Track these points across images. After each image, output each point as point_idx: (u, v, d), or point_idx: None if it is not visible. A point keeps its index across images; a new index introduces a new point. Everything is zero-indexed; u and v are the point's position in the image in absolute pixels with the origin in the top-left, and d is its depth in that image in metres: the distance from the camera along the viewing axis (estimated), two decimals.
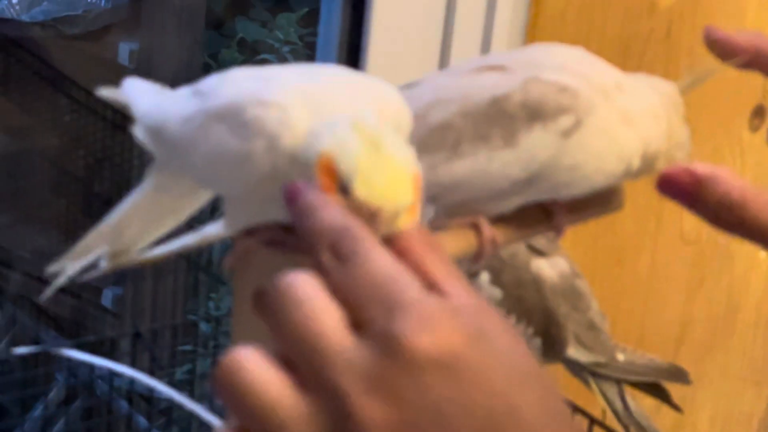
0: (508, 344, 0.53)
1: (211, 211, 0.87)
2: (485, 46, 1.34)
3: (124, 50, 2.16)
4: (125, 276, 1.93)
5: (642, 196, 0.77)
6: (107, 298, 2.04)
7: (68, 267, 0.84)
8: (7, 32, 2.08)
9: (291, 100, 0.65)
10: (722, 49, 0.75)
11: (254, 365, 0.52)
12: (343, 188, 0.57)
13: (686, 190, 0.67)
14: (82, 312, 1.95)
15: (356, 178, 0.57)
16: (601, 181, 0.77)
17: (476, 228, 0.78)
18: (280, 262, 0.72)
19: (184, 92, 0.75)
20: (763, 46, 0.73)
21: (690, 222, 1.58)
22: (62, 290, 1.76)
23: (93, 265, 0.84)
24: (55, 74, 1.90)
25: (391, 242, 0.55)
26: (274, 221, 0.72)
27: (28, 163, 1.79)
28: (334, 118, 0.62)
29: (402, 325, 0.50)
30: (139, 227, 0.83)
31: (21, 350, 1.17)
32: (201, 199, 0.82)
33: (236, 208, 0.74)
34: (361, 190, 0.56)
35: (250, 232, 0.74)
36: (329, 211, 0.54)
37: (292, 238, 0.73)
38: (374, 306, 0.51)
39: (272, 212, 0.71)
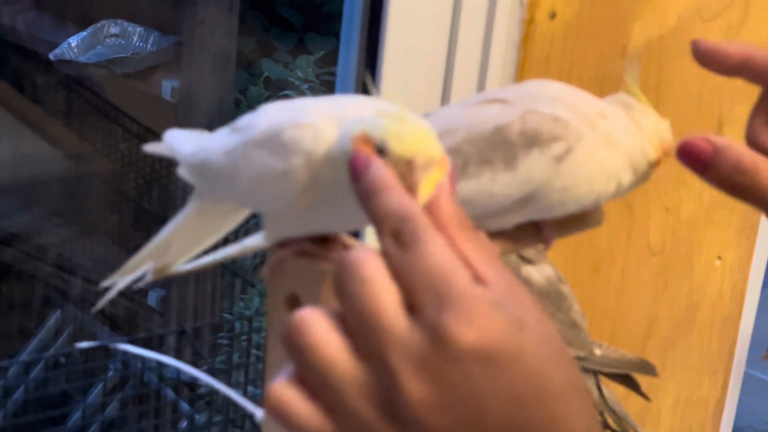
0: (543, 331, 0.52)
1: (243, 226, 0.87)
2: (481, 84, 1.33)
3: (167, 87, 2.16)
4: (168, 279, 1.92)
5: (615, 214, 0.77)
6: (152, 298, 2.04)
7: (119, 281, 0.84)
8: (68, 71, 2.08)
9: (321, 119, 0.65)
10: (711, 59, 0.73)
11: (320, 326, 0.51)
12: (379, 151, 0.57)
13: (703, 157, 0.66)
14: (131, 311, 1.95)
15: (389, 137, 0.57)
16: (592, 199, 0.77)
17: (537, 226, 0.78)
18: (309, 270, 0.72)
19: (222, 131, 0.75)
20: (752, 54, 0.72)
21: (656, 236, 1.57)
22: (135, 306, 1.75)
23: (140, 277, 0.84)
24: (110, 107, 1.90)
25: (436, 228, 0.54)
26: (304, 234, 0.72)
27: (88, 184, 1.79)
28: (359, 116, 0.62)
29: (450, 318, 0.49)
30: (182, 245, 0.82)
31: (83, 345, 1.17)
32: (235, 220, 0.81)
33: (274, 223, 0.74)
34: (396, 144, 0.56)
35: (282, 245, 0.74)
36: (394, 196, 0.53)
37: (319, 249, 0.72)
38: (428, 294, 0.50)
39: (305, 226, 0.71)
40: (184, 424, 1.27)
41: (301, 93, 2.44)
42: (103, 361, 1.23)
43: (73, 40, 2.15)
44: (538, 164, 0.73)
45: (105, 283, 0.84)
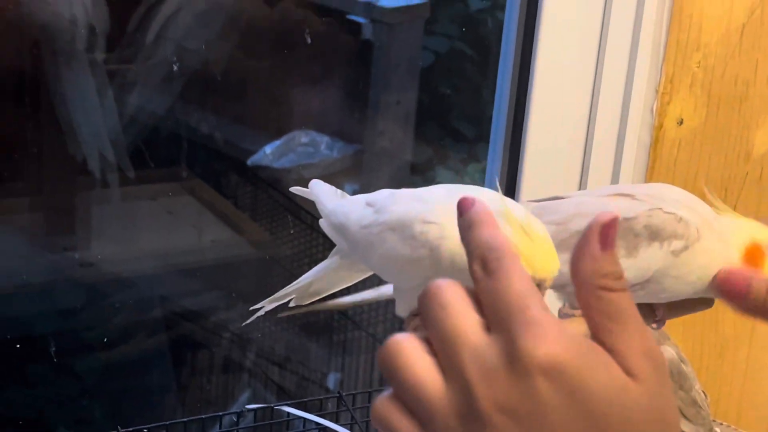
0: (604, 361, 0.51)
1: None
2: (614, 183, 1.34)
3: (349, 190, 2.20)
4: (343, 364, 1.93)
5: None
6: (331, 381, 2.05)
7: (267, 305, 0.89)
8: (262, 175, 2.14)
9: (446, 218, 0.67)
10: None
11: (410, 348, 0.52)
12: None
13: (739, 287, 0.66)
14: (310, 391, 1.96)
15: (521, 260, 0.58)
16: (701, 287, 0.77)
17: None
18: None
19: (359, 201, 0.77)
20: None
21: None
22: (299, 374, 1.74)
23: (285, 304, 0.89)
24: (292, 204, 1.95)
25: None
26: None
27: (270, 268, 1.83)
28: None
29: (523, 334, 0.50)
30: (319, 287, 0.87)
31: (252, 406, 1.19)
32: (367, 274, 0.85)
33: (405, 295, 0.75)
34: (526, 269, 0.56)
35: (416, 314, 0.75)
36: (486, 229, 0.53)
37: None
38: (505, 314, 0.51)
39: None
40: None
41: None
42: (285, 424, 1.23)
43: (269, 148, 2.22)
44: (657, 255, 0.75)
45: (254, 307, 0.89)
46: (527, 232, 0.60)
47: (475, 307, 0.52)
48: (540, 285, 0.58)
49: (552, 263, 0.59)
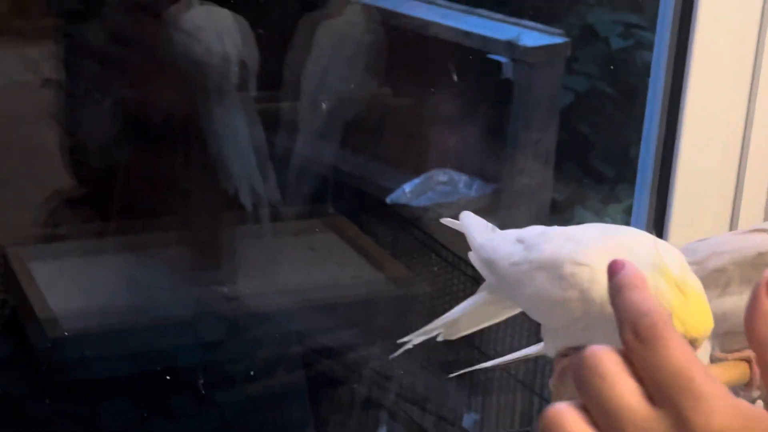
0: None
1: None
2: None
3: None
4: (483, 404, 1.92)
5: None
6: (468, 421, 2.03)
7: (415, 339, 0.88)
8: (401, 212, 2.15)
9: (598, 260, 0.66)
10: None
11: (570, 420, 0.50)
12: None
13: None
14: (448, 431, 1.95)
15: (673, 319, 0.56)
16: None
17: (749, 361, 0.76)
18: None
19: (509, 236, 0.76)
20: None
21: None
22: (436, 413, 1.75)
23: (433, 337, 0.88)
24: (433, 242, 1.96)
25: None
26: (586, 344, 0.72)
27: (410, 305, 1.84)
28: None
29: (695, 412, 0.48)
30: (467, 322, 0.85)
31: None
32: (515, 311, 0.83)
33: (553, 335, 0.74)
34: (678, 328, 0.57)
35: (565, 354, 0.74)
36: (638, 294, 0.51)
37: None
38: (669, 388, 0.49)
39: (584, 339, 0.71)
40: None
41: None
42: None
43: (407, 186, 2.23)
44: None
45: (402, 340, 0.88)
46: (682, 290, 0.59)
47: (632, 373, 0.50)
48: (691, 344, 0.57)
49: (705, 323, 0.58)
